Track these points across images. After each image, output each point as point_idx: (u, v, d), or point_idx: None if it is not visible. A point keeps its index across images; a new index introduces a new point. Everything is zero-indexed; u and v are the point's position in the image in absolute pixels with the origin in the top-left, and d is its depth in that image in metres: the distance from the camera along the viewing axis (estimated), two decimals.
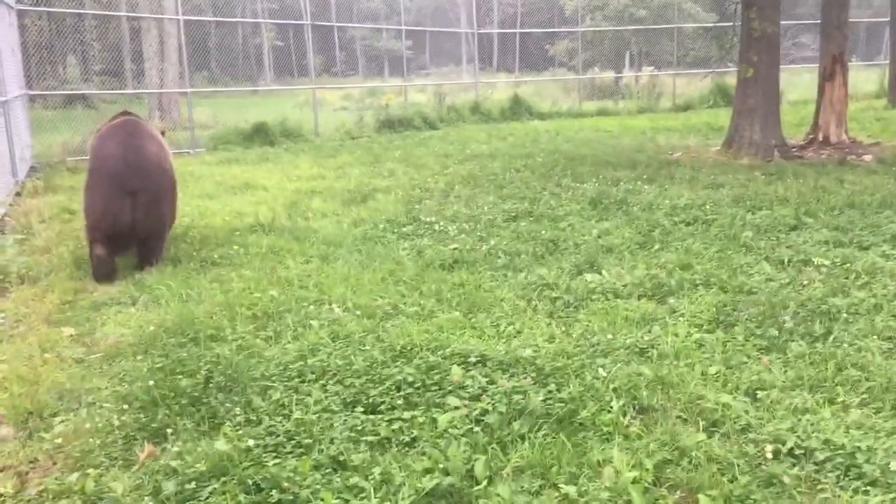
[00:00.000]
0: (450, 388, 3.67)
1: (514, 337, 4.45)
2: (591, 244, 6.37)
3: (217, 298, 5.27)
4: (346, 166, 12.02)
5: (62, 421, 3.61)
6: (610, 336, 4.29)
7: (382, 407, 3.52)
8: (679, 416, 3.39)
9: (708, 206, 7.58)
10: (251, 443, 3.17)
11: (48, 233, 7.60)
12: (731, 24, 13.57)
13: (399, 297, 5.20)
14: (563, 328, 4.55)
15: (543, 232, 6.84)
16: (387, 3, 46.12)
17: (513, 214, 7.73)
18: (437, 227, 7.27)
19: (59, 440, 3.41)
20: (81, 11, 18.26)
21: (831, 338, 4.18)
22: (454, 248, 6.48)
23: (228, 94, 26.17)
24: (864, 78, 23.51)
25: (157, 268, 6.16)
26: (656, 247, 6.27)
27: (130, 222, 6.00)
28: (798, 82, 24.44)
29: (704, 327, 4.45)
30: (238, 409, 3.54)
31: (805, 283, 5.14)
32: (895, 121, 15.77)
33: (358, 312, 4.87)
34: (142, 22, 20.22)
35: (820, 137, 12.70)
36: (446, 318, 4.69)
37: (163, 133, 7.40)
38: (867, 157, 11.26)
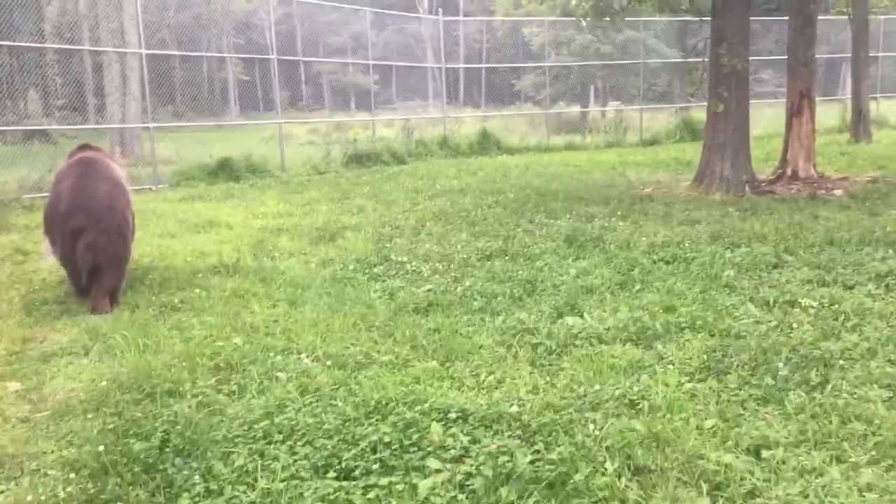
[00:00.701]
0: (429, 448, 3.38)
1: (496, 388, 4.18)
2: (570, 285, 6.14)
3: (176, 348, 4.94)
4: (314, 202, 11.73)
5: (1, 492, 3.25)
6: (597, 387, 4.04)
7: (357, 472, 3.22)
8: (679, 478, 3.14)
9: (686, 244, 7.41)
10: None
11: None
12: (700, 59, 13.61)
13: (372, 345, 4.91)
14: (547, 378, 4.29)
15: (520, 272, 6.61)
16: (354, 38, 46.14)
17: (487, 253, 7.49)
18: (409, 266, 7.01)
19: None
20: (40, 45, 17.84)
21: (829, 386, 3.97)
22: (428, 290, 6.21)
23: (193, 129, 25.76)
24: (823, 112, 23.81)
25: (113, 311, 5.99)
26: (637, 287, 6.06)
27: (86, 260, 5.99)
28: (760, 117, 24.71)
29: (696, 376, 4.22)
30: (197, 476, 3.21)
31: (794, 325, 4.95)
32: (860, 155, 15.91)
33: (328, 362, 4.57)
34: (104, 56, 19.85)
35: (789, 172, 12.71)
36: (422, 368, 4.42)
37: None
38: (837, 192, 11.25)
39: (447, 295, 6.04)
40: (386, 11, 24.63)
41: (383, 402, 3.86)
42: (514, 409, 3.68)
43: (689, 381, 4.12)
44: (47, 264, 7.76)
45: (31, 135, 18.59)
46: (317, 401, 3.97)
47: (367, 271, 6.95)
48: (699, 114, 24.62)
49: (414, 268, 6.97)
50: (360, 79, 40.77)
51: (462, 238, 8.35)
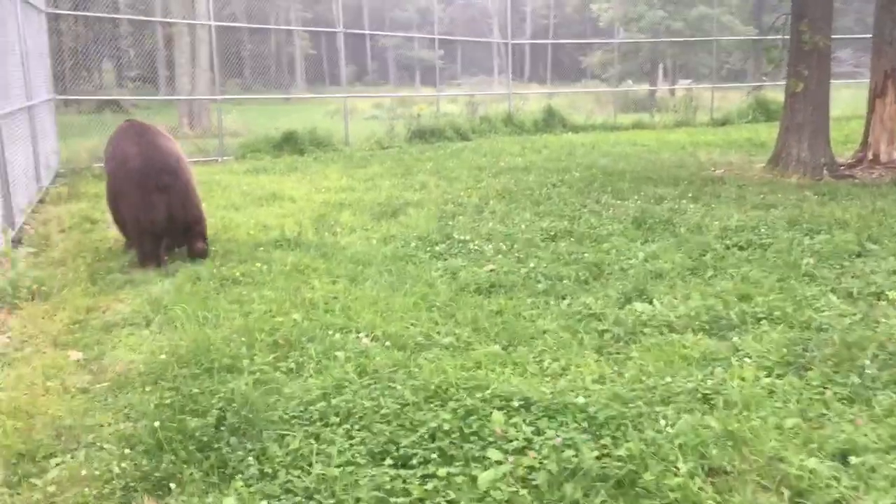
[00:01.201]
0: (491, 438, 3.24)
1: (560, 375, 4.01)
2: (639, 269, 5.91)
3: (236, 322, 4.89)
4: (377, 177, 11.65)
5: (57, 464, 3.23)
6: (668, 379, 3.83)
7: (414, 460, 3.09)
8: (758, 482, 2.93)
9: (762, 229, 7.09)
10: (265, 503, 2.77)
11: (66, 244, 7.30)
12: (778, 36, 13.02)
13: (432, 326, 4.79)
14: (615, 367, 4.10)
15: (586, 254, 6.39)
16: (420, 12, 45.95)
17: (552, 233, 7.29)
18: (471, 245, 6.85)
19: (52, 488, 3.03)
20: (113, 16, 18.11)
21: None
22: (491, 270, 6.05)
23: (260, 102, 25.99)
24: None
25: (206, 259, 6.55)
26: (709, 273, 5.80)
27: (167, 217, 6.31)
28: (837, 97, 23.69)
29: (774, 370, 3.97)
30: (251, 458, 3.13)
31: (881, 319, 4.64)
32: None
33: (387, 343, 4.46)
34: (174, 28, 20.09)
35: (870, 156, 12.09)
36: (484, 352, 4.27)
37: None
38: None
39: (510, 276, 5.87)
40: None
41: (443, 387, 3.73)
42: (581, 399, 3.50)
43: (767, 377, 3.88)
44: (113, 233, 7.85)
45: (103, 105, 18.97)
46: (375, 383, 3.86)
47: (428, 249, 6.82)
48: (774, 93, 23.84)
49: (476, 247, 6.81)
50: (425, 54, 40.68)
51: (526, 217, 8.15)
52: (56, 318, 5.20)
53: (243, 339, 4.55)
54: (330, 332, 4.63)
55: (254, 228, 7.79)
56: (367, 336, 4.59)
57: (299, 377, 4.01)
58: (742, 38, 30.03)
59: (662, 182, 10.46)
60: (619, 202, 8.88)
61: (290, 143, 15.79)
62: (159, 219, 6.27)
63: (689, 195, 9.16)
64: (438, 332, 4.65)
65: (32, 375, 4.20)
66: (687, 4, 32.51)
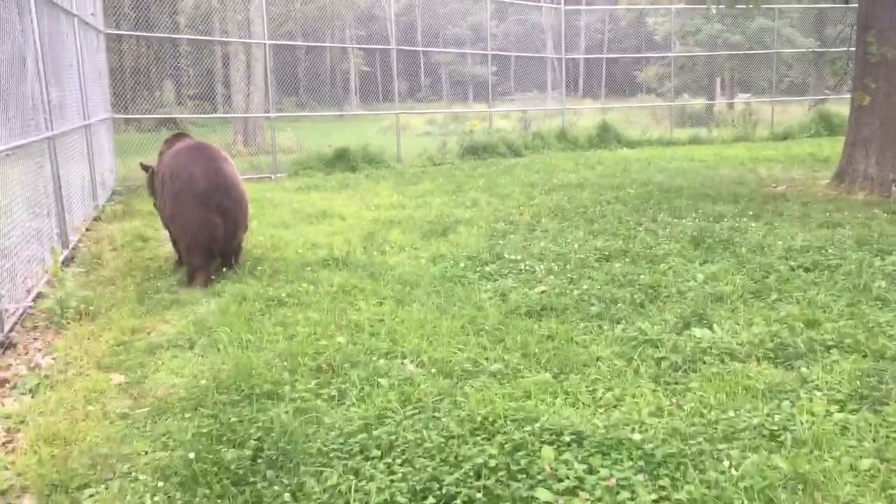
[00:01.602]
0: (540, 476, 3.04)
1: (614, 407, 3.80)
2: (698, 291, 5.64)
3: (279, 345, 4.78)
4: (428, 195, 11.54)
5: (91, 496, 3.14)
6: (731, 413, 3.59)
7: (458, 500, 2.91)
8: None
9: (828, 249, 6.74)
10: None
11: (117, 262, 7.32)
12: (842, 48, 12.60)
13: (480, 351, 4.61)
14: (673, 398, 3.87)
15: (641, 275, 6.15)
16: (473, 28, 45.98)
17: (606, 253, 7.05)
18: (522, 266, 6.66)
19: None
20: (171, 36, 18.45)
21: None
22: (542, 292, 5.85)
23: (314, 119, 26.22)
24: None
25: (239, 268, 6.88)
26: (773, 297, 5.50)
27: (223, 237, 6.57)
28: None
29: (847, 405, 3.70)
30: (287, 494, 2.99)
31: None
32: None
33: (433, 369, 4.29)
34: (230, 47, 20.38)
35: None
36: (534, 381, 4.07)
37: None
38: None
39: (562, 298, 5.66)
40: (507, 0, 24.14)
41: (490, 419, 3.54)
42: (637, 436, 3.28)
43: (839, 411, 3.60)
44: (164, 252, 7.86)
45: (162, 123, 19.31)
46: (419, 413, 3.69)
47: (478, 269, 6.65)
48: (837, 107, 23.17)
49: (527, 267, 6.62)
50: (477, 70, 40.67)
51: (579, 236, 7.92)
52: (101, 338, 5.16)
53: (286, 363, 4.43)
54: (374, 357, 4.49)
55: (302, 247, 7.72)
56: (412, 362, 4.43)
57: (341, 405, 3.87)
58: (803, 50, 29.24)
59: (721, 199, 10.12)
60: (676, 220, 8.59)
61: (342, 160, 15.82)
62: (217, 237, 6.52)
63: (750, 213, 8.83)
64: (486, 359, 4.47)
65: (74, 399, 4.15)
66: (746, 17, 31.84)
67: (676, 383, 4.06)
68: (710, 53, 30.29)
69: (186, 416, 3.84)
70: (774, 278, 5.93)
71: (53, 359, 4.90)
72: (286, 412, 3.69)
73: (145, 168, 8.15)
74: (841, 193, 10.72)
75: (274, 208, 10.48)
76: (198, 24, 25.65)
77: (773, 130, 22.33)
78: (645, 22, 36.93)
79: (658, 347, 4.54)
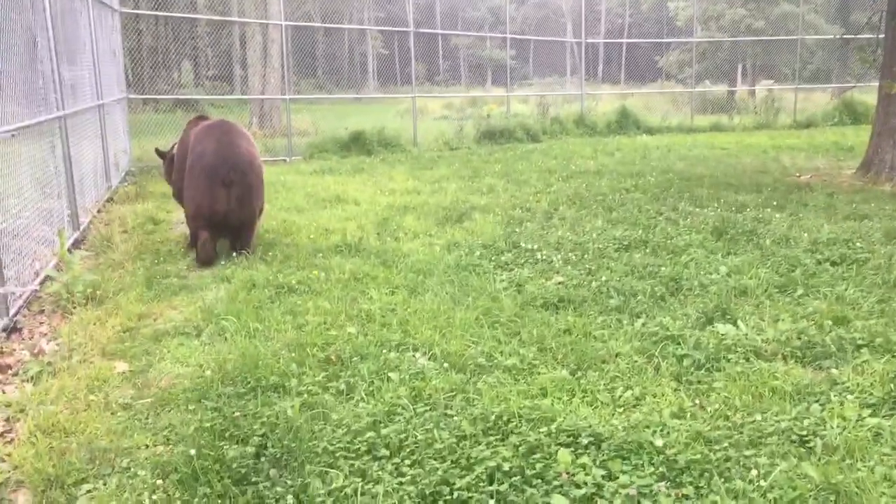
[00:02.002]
0: (556, 481, 2.89)
1: (634, 406, 3.63)
2: (721, 285, 5.45)
3: (288, 335, 4.65)
4: (443, 180, 11.36)
5: (88, 491, 3.02)
6: (758, 416, 3.42)
7: None
8: None
9: (856, 242, 6.52)
10: None
11: (127, 245, 7.21)
12: (871, 35, 12.27)
13: (495, 344, 4.45)
14: (696, 399, 3.70)
15: (662, 267, 5.96)
16: (492, 12, 45.60)
17: (625, 243, 6.86)
18: (539, 255, 6.48)
19: None
20: (186, 16, 18.30)
21: None
22: (559, 283, 5.68)
23: (331, 102, 26.05)
24: None
25: (251, 255, 6.67)
26: (799, 291, 5.30)
27: (226, 211, 6.50)
28: None
29: (880, 409, 3.51)
30: (291, 496, 2.85)
31: None
32: None
33: (445, 363, 4.14)
34: (247, 28, 20.21)
35: None
36: (550, 377, 3.91)
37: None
38: None
39: (580, 289, 5.49)
40: None
41: (504, 419, 3.39)
42: (659, 441, 3.11)
43: (871, 416, 3.42)
44: (175, 235, 7.75)
45: (179, 104, 19.22)
46: (430, 410, 3.55)
47: (493, 258, 6.48)
48: (862, 95, 22.74)
49: (545, 256, 6.44)
50: (496, 54, 40.35)
51: (597, 225, 7.73)
52: (107, 324, 5.04)
53: (293, 354, 4.30)
54: (385, 350, 4.34)
55: (315, 232, 7.58)
56: (423, 355, 4.28)
57: (349, 400, 3.73)
58: (828, 37, 28.70)
59: (744, 188, 9.89)
60: (697, 210, 8.38)
61: (357, 144, 15.66)
62: (219, 210, 6.50)
63: (774, 203, 8.59)
64: (501, 353, 4.31)
65: (76, 387, 4.03)
66: (769, 2, 31.35)
67: (699, 382, 3.89)
68: (734, 39, 29.81)
69: (190, 408, 3.72)
70: (800, 272, 5.72)
71: (58, 344, 4.79)
72: (292, 407, 3.55)
73: (161, 155, 8.17)
74: (867, 184, 10.45)
75: (287, 192, 10.35)
76: (216, 6, 25.52)
77: (795, 118, 21.94)
78: (666, 6, 36.41)
79: (680, 344, 4.36)
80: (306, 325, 4.83)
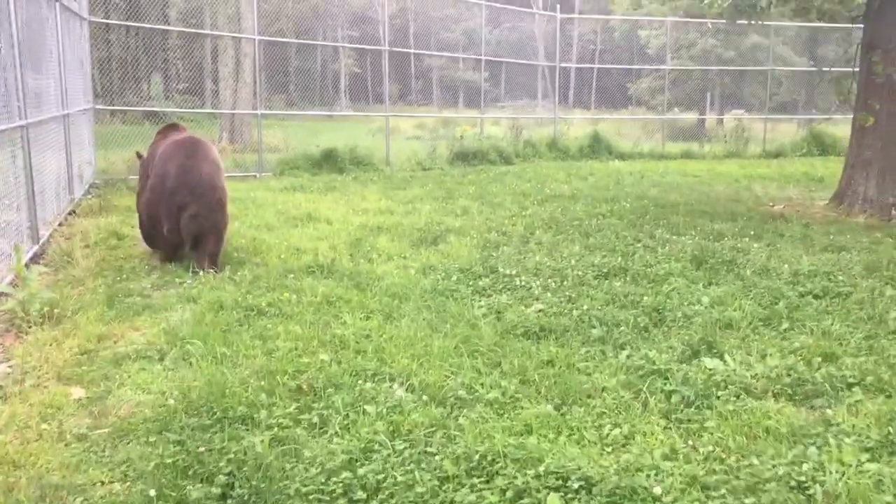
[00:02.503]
0: None
1: (623, 446, 3.46)
2: (704, 317, 5.32)
3: (257, 361, 4.42)
4: (417, 200, 11.18)
5: None
6: (754, 460, 3.26)
7: None
8: None
9: (838, 275, 6.44)
10: None
11: (88, 261, 6.91)
12: (841, 68, 12.40)
13: (475, 375, 4.25)
14: (687, 439, 3.53)
15: (644, 296, 5.81)
16: (466, 34, 45.70)
17: (604, 270, 6.72)
18: (518, 281, 6.31)
19: None
20: (157, 27, 17.98)
21: None
22: (539, 311, 5.51)
23: (303, 119, 25.79)
24: None
25: (218, 271, 6.64)
26: (784, 325, 5.19)
27: (187, 233, 6.70)
28: None
29: (878, 453, 3.37)
30: None
31: None
32: None
33: (424, 395, 3.94)
34: (219, 41, 19.94)
35: None
36: (535, 413, 3.72)
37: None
38: None
39: (561, 318, 5.32)
40: (501, 6, 23.82)
41: (489, 458, 3.20)
42: (657, 489, 2.93)
43: (870, 461, 3.28)
44: (140, 251, 7.46)
45: (148, 116, 18.87)
46: (409, 447, 3.34)
47: (471, 283, 6.30)
48: (830, 128, 23.06)
49: (523, 283, 6.27)
50: (469, 75, 40.39)
51: (575, 251, 7.60)
52: (64, 346, 4.77)
53: (263, 382, 4.06)
54: (360, 380, 4.12)
55: (286, 252, 7.34)
56: (401, 386, 4.07)
57: (323, 434, 3.50)
58: (799, 69, 29.17)
59: (719, 217, 9.84)
60: (675, 237, 8.29)
61: (329, 161, 15.44)
62: (180, 233, 6.72)
63: (752, 233, 8.53)
64: (482, 384, 4.12)
65: (28, 415, 3.76)
66: (739, 33, 31.76)
67: (689, 421, 3.73)
68: (707, 68, 30.13)
69: (151, 440, 3.47)
70: (784, 305, 5.61)
71: (10, 367, 4.51)
72: (262, 441, 3.32)
73: (141, 157, 8.10)
74: (840, 215, 10.47)
75: (257, 209, 10.10)
76: (188, 18, 25.19)
77: (765, 148, 22.17)
78: (637, 35, 36.77)
79: (667, 378, 4.20)
80: (276, 350, 4.60)
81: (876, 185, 10.61)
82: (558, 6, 22.82)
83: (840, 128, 21.74)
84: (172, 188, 6.68)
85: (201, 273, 6.47)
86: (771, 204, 11.51)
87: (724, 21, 24.88)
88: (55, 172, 9.25)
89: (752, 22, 13.86)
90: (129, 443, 3.49)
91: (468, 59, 36.75)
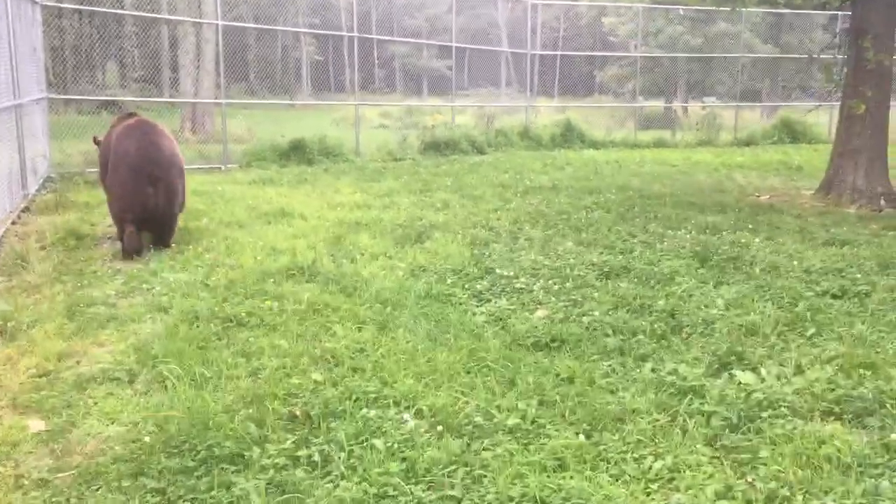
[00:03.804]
0: None
1: (670, 482, 3.04)
2: (724, 322, 4.93)
3: (242, 383, 3.92)
4: (393, 193, 10.69)
5: None
6: (826, 499, 2.85)
7: None
8: None
9: (853, 273, 6.10)
10: None
11: (45, 265, 6.31)
12: (830, 55, 12.13)
13: (489, 397, 3.80)
14: (740, 472, 3.12)
15: (655, 299, 5.40)
16: (429, 21, 45.09)
17: (605, 269, 6.30)
18: (517, 283, 5.87)
19: None
20: (113, 11, 17.15)
21: None
22: (544, 318, 5.08)
23: (265, 108, 25.06)
24: None
25: (168, 248, 7.09)
26: (810, 330, 4.81)
27: (150, 206, 6.82)
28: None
29: None
30: None
31: None
32: None
33: (437, 422, 3.48)
34: (179, 27, 19.13)
35: None
36: (563, 444, 3.28)
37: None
38: None
39: (569, 325, 4.89)
40: None
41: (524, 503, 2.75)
42: None
43: None
44: (101, 252, 6.89)
45: (104, 106, 18.07)
46: (429, 490, 2.88)
47: (467, 286, 5.83)
48: (797, 114, 22.99)
49: (522, 285, 5.83)
50: (433, 63, 39.89)
51: (569, 247, 7.18)
52: (20, 366, 4.23)
53: (251, 410, 3.57)
54: (362, 406, 3.65)
55: (261, 252, 6.82)
56: (408, 413, 3.60)
57: (326, 477, 3.03)
58: (769, 56, 29.11)
59: (708, 209, 9.50)
60: (670, 232, 7.92)
61: (297, 152, 14.84)
62: (147, 205, 6.80)
63: (749, 226, 8.19)
64: (498, 407, 3.67)
65: None
66: (707, 20, 31.63)
67: (738, 449, 3.31)
68: (672, 55, 29.92)
69: (124, 486, 2.97)
70: (804, 307, 5.23)
71: None
72: (256, 488, 2.84)
73: (98, 142, 8.05)
74: (829, 205, 10.20)
75: (226, 204, 9.52)
76: (143, 6, 24.30)
77: (736, 136, 22.01)
78: (601, 22, 36.48)
79: (702, 396, 3.79)
80: (262, 369, 4.10)
81: (865, 174, 10.38)
82: None
83: (812, 116, 21.67)
84: (136, 163, 6.81)
85: (155, 249, 6.91)
86: (756, 194, 11.22)
87: (694, 7, 24.75)
88: (6, 166, 8.58)
89: (735, 9, 13.57)
90: (98, 489, 2.99)
91: (432, 47, 36.23)
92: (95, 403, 3.79)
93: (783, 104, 27.26)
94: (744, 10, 21.06)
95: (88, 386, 3.99)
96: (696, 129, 22.26)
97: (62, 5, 15.83)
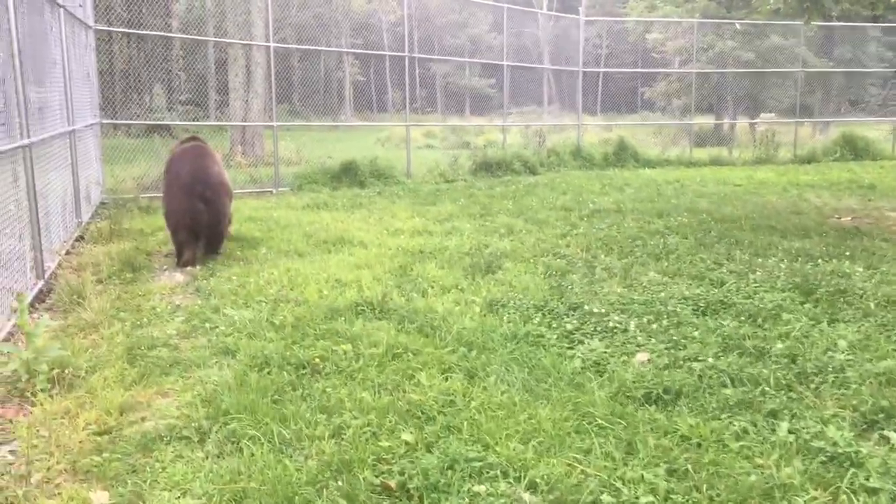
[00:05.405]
0: None
1: None
2: (855, 369, 4.37)
3: (325, 446, 3.47)
4: (453, 218, 10.25)
5: None
6: None
7: None
8: None
9: None
10: None
11: (101, 301, 5.95)
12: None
13: (609, 466, 3.30)
14: None
15: (771, 341, 4.86)
16: (472, 40, 44.83)
17: (700, 304, 5.77)
18: (609, 321, 5.36)
19: None
20: (165, 35, 17.07)
21: None
22: (646, 362, 4.57)
23: (310, 129, 24.88)
24: None
25: (220, 256, 7.81)
26: None
27: (201, 221, 7.49)
28: None
29: None
30: None
31: None
32: None
33: (556, 502, 2.99)
34: (229, 51, 18.99)
35: None
36: None
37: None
38: None
39: (678, 373, 4.37)
40: (519, 8, 22.95)
41: None
42: None
43: None
44: (159, 285, 6.55)
45: (153, 129, 17.99)
46: None
47: (555, 325, 5.34)
48: (860, 129, 22.16)
49: (615, 323, 5.32)
50: (474, 82, 39.61)
51: (653, 278, 6.67)
52: (79, 421, 3.83)
53: (339, 481, 3.12)
54: (464, 474, 3.18)
55: (325, 285, 6.41)
56: (521, 488, 3.12)
57: None
58: (829, 70, 28.24)
59: (790, 233, 8.90)
60: (757, 259, 7.36)
61: (349, 174, 14.52)
62: (200, 221, 7.47)
63: (845, 253, 7.59)
64: (622, 479, 3.17)
65: None
66: (757, 35, 30.84)
67: None
68: (723, 71, 29.17)
69: None
70: None
71: (12, 453, 3.58)
72: None
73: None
74: None
75: (282, 231, 9.16)
76: (190, 30, 24.30)
77: (795, 153, 21.25)
78: (645, 38, 35.79)
79: (860, 466, 3.26)
80: (346, 428, 3.66)
81: None
82: (580, 10, 21.97)
83: (872, 131, 20.87)
84: (189, 182, 7.50)
85: (217, 257, 7.71)
86: (837, 216, 10.57)
87: (750, 22, 24.08)
88: (61, 194, 8.32)
89: (807, 23, 12.97)
90: None
91: (474, 66, 35.93)
92: (163, 469, 3.37)
93: (838, 119, 26.42)
94: (801, 24, 20.42)
95: (154, 447, 3.58)
96: (755, 147, 21.53)
97: (112, 29, 15.76)
